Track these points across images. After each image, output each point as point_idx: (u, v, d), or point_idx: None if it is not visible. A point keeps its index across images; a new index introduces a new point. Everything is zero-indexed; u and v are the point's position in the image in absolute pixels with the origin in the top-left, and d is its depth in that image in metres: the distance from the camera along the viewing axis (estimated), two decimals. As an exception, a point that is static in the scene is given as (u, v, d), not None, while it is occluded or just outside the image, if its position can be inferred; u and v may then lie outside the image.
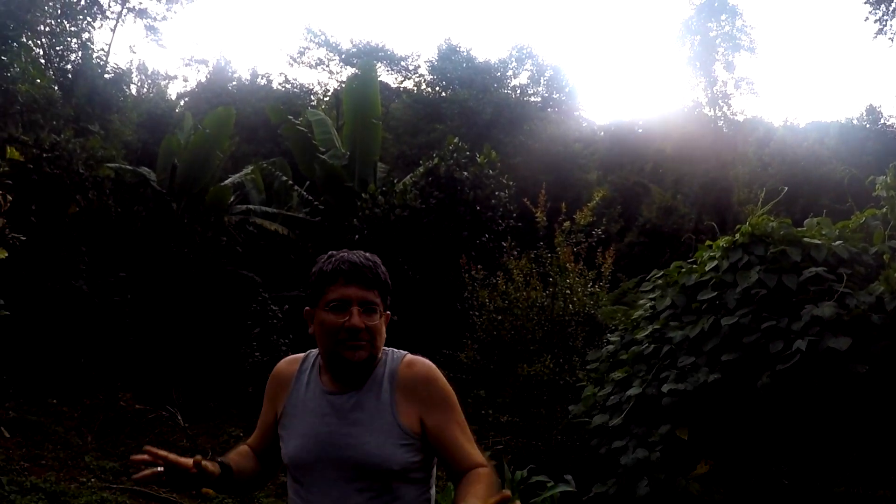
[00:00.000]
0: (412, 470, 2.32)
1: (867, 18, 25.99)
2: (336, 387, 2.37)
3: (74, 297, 11.18)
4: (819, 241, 5.42)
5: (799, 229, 5.72)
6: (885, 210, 5.66)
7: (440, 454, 2.35)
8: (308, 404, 2.40)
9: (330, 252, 2.41)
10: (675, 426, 5.31)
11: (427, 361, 2.44)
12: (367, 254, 2.40)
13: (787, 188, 6.70)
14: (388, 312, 2.40)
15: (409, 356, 2.44)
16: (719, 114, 30.58)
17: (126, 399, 10.05)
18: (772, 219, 5.81)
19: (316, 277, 2.36)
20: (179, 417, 9.58)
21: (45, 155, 10.88)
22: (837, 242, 5.48)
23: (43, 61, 14.66)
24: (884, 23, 25.90)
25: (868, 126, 34.40)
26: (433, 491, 2.45)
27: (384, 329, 2.38)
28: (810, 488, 4.81)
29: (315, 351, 2.51)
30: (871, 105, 36.32)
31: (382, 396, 2.32)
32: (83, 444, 8.49)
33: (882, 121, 35.35)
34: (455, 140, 14.66)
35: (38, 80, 12.10)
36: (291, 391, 2.46)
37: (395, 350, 2.46)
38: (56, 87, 13.59)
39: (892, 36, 26.09)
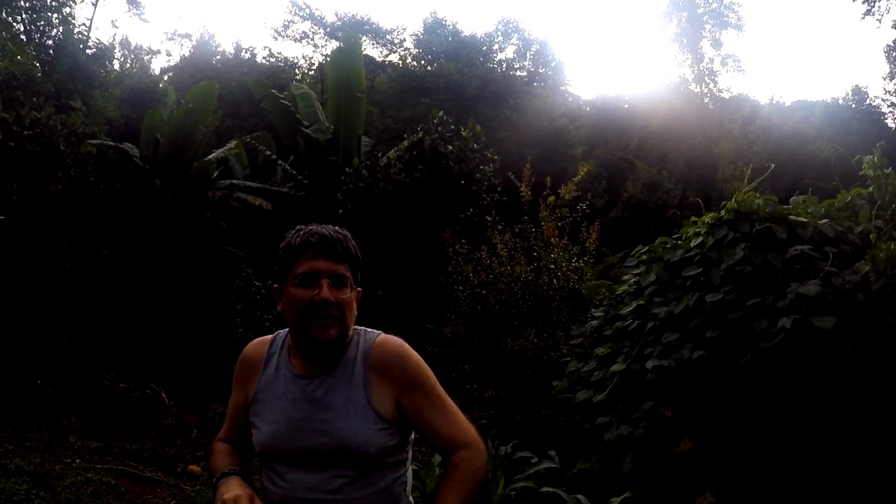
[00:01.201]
0: (388, 454, 2.28)
1: (855, -1, 25.96)
2: (307, 370, 2.31)
3: (57, 275, 11.11)
4: (805, 219, 5.42)
5: (785, 207, 5.72)
6: (871, 189, 5.66)
7: (421, 434, 2.32)
8: (279, 389, 2.33)
9: (298, 226, 2.35)
10: (658, 403, 5.32)
11: (399, 340, 2.38)
12: (337, 227, 2.34)
13: (773, 166, 6.68)
14: (359, 288, 2.34)
15: (382, 336, 2.38)
16: (705, 90, 30.61)
17: (110, 378, 10.02)
18: (758, 196, 5.81)
19: (284, 252, 2.30)
20: (164, 395, 9.56)
21: (25, 132, 10.76)
22: (823, 221, 5.48)
23: (23, 37, 14.49)
24: (872, 4, 25.89)
25: (854, 106, 34.44)
26: (409, 472, 2.43)
27: (355, 305, 2.31)
28: (793, 465, 4.83)
29: (283, 332, 2.46)
30: (857, 85, 36.48)
31: (355, 380, 2.27)
32: (68, 424, 8.45)
33: (868, 101, 35.40)
34: (440, 114, 14.58)
35: (19, 57, 11.97)
36: (261, 375, 2.39)
37: (368, 329, 2.40)
38: (37, 64, 13.46)
39: (879, 17, 26.15)
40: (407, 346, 2.37)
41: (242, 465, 2.40)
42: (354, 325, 2.37)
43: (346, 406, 2.24)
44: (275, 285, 2.36)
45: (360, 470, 2.23)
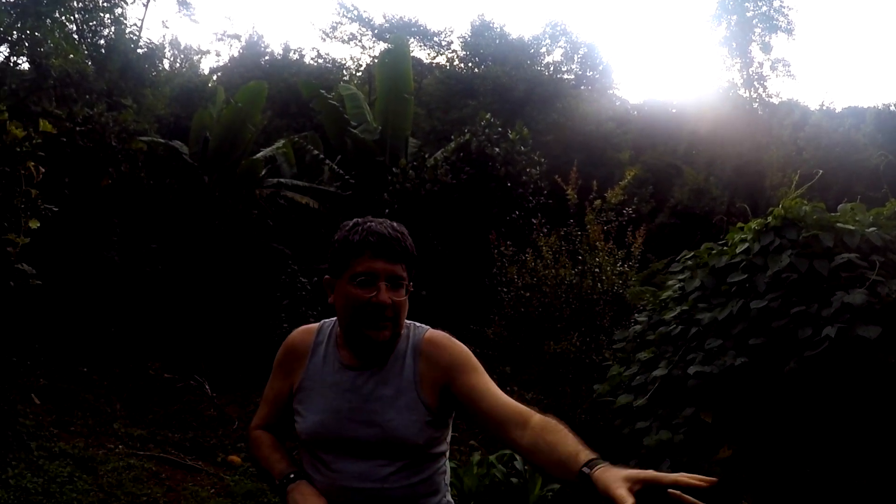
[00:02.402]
0: (434, 444, 2.31)
1: (909, 1, 25.40)
2: (356, 362, 2.32)
3: (106, 267, 11.31)
4: (852, 227, 5.33)
5: (832, 214, 5.64)
6: (921, 198, 5.57)
7: (479, 411, 2.20)
8: (327, 379, 2.33)
9: (355, 220, 2.31)
10: (699, 409, 5.28)
11: (445, 334, 2.39)
12: (395, 224, 2.32)
13: (822, 172, 6.59)
14: (412, 285, 2.33)
15: (430, 330, 2.39)
16: (754, 96, 30.08)
17: (155, 368, 10.18)
18: (805, 202, 5.74)
19: (340, 247, 2.26)
20: (207, 387, 9.69)
21: (78, 128, 10.96)
22: (871, 229, 5.38)
23: (76, 36, 14.74)
24: (926, 7, 25.29)
25: (905, 113, 33.76)
26: (448, 462, 2.45)
27: (407, 304, 2.31)
28: (834, 478, 4.77)
29: (329, 321, 2.46)
30: (908, 91, 35.65)
31: (405, 373, 2.28)
32: (112, 411, 8.61)
33: (921, 108, 34.63)
34: (487, 116, 14.61)
35: (72, 56, 12.17)
36: (308, 364, 2.39)
37: (417, 324, 2.41)
38: (89, 62, 13.67)
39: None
40: (449, 335, 2.39)
41: (292, 457, 2.42)
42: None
43: (396, 398, 2.25)
44: (326, 277, 2.34)
45: (407, 461, 2.25)
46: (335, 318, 2.42)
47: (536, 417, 2.20)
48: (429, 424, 2.27)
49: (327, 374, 2.34)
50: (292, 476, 2.30)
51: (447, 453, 2.43)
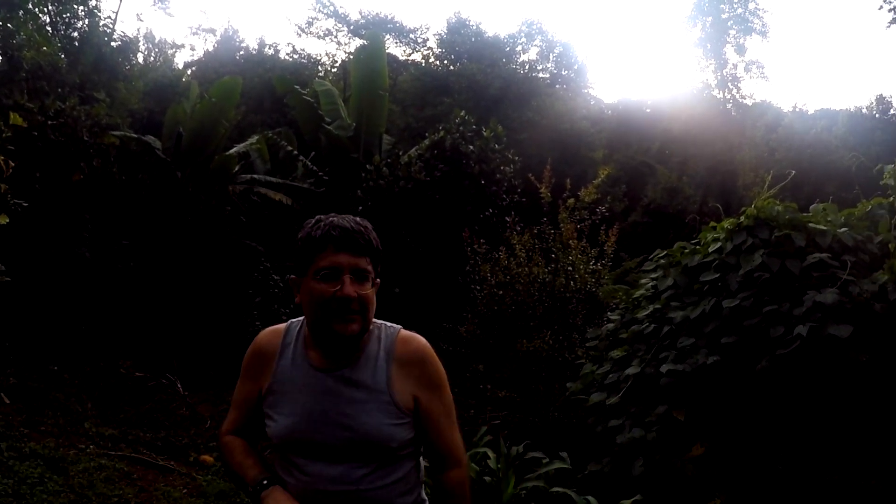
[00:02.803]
0: (407, 446, 2.31)
1: (881, 7, 25.59)
2: (326, 362, 2.29)
3: (77, 263, 11.19)
4: (824, 227, 5.39)
5: (804, 214, 5.70)
6: (892, 199, 5.64)
7: (422, 432, 2.34)
8: (297, 381, 2.30)
9: (317, 216, 2.30)
10: (672, 407, 5.32)
11: (422, 339, 2.38)
12: (357, 218, 2.30)
13: (794, 172, 6.65)
14: (378, 280, 2.31)
15: (404, 331, 2.38)
16: (728, 97, 30.29)
17: (126, 367, 10.08)
18: (778, 202, 5.79)
19: (303, 244, 2.25)
20: (179, 385, 9.61)
21: (49, 122, 10.84)
22: (843, 229, 5.45)
23: (49, 28, 14.57)
24: (898, 12, 25.53)
25: (877, 116, 34.09)
26: (421, 459, 2.45)
27: (375, 298, 2.28)
28: (805, 475, 4.81)
29: (297, 321, 2.43)
30: (881, 95, 35.88)
31: (378, 374, 2.27)
32: (83, 410, 8.52)
33: (892, 111, 34.98)
34: (462, 113, 14.59)
35: (44, 48, 12.04)
36: (276, 367, 2.36)
37: (388, 324, 2.40)
38: (62, 55, 13.53)
39: (905, 26, 25.73)
40: (429, 345, 2.38)
41: (265, 462, 2.40)
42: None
43: (368, 400, 2.25)
44: (292, 276, 2.33)
45: (380, 461, 2.26)
46: (302, 318, 2.39)
47: (448, 479, 2.38)
48: (401, 426, 2.27)
49: (297, 377, 2.31)
50: (265, 482, 2.28)
51: (420, 451, 2.43)
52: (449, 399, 2.38)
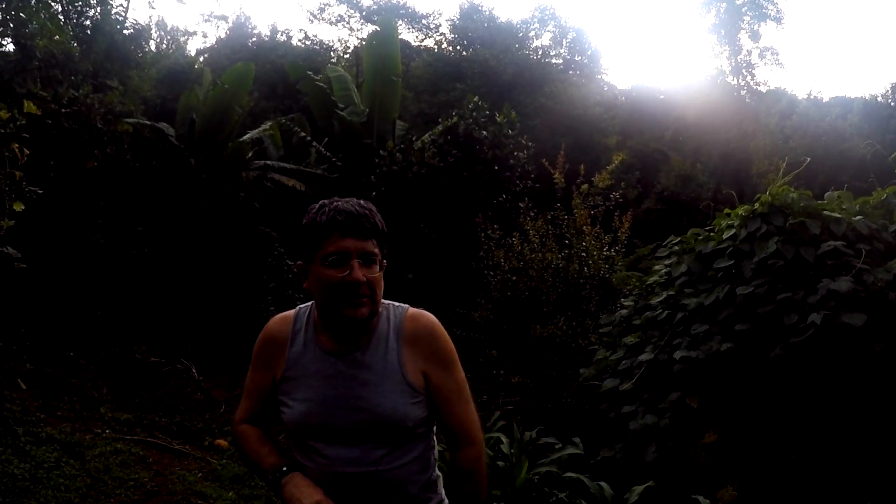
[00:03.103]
0: (422, 424, 2.34)
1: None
2: (337, 346, 2.30)
3: (92, 250, 11.26)
4: (839, 215, 5.36)
5: (819, 202, 5.67)
6: (906, 187, 5.61)
7: (435, 410, 2.37)
8: (310, 367, 2.32)
9: (321, 202, 2.30)
10: (685, 394, 5.32)
11: (430, 315, 2.40)
12: (361, 201, 2.30)
13: (809, 160, 6.61)
14: (385, 262, 2.32)
15: (412, 309, 2.40)
16: (742, 83, 30.09)
17: (141, 352, 10.14)
18: (792, 190, 5.76)
19: (309, 230, 2.25)
20: (194, 371, 9.67)
21: (63, 110, 10.89)
22: (857, 217, 5.42)
23: (61, 17, 14.60)
24: (915, -1, 25.30)
25: (893, 104, 33.86)
26: (435, 437, 2.48)
27: (382, 280, 2.30)
28: (817, 464, 4.81)
29: (305, 307, 2.44)
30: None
31: (389, 355, 2.29)
32: (98, 395, 8.58)
33: (907, 99, 34.77)
34: (475, 99, 14.54)
35: (57, 36, 12.05)
36: (289, 354, 2.36)
37: (396, 304, 2.41)
38: (75, 43, 13.55)
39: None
40: (437, 321, 2.39)
41: (281, 449, 2.42)
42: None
43: (382, 382, 2.26)
44: (299, 262, 2.33)
45: (397, 441, 2.28)
46: (311, 304, 2.41)
47: (463, 458, 2.41)
48: (415, 405, 2.29)
49: (309, 362, 2.32)
50: (285, 469, 2.31)
51: (434, 429, 2.46)
52: (460, 376, 2.39)
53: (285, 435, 2.45)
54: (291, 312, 2.46)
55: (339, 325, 2.26)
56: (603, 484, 4.95)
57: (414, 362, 2.30)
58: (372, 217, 2.25)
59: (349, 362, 2.28)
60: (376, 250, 2.25)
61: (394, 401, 2.25)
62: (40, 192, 7.23)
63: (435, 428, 2.47)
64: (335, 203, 2.26)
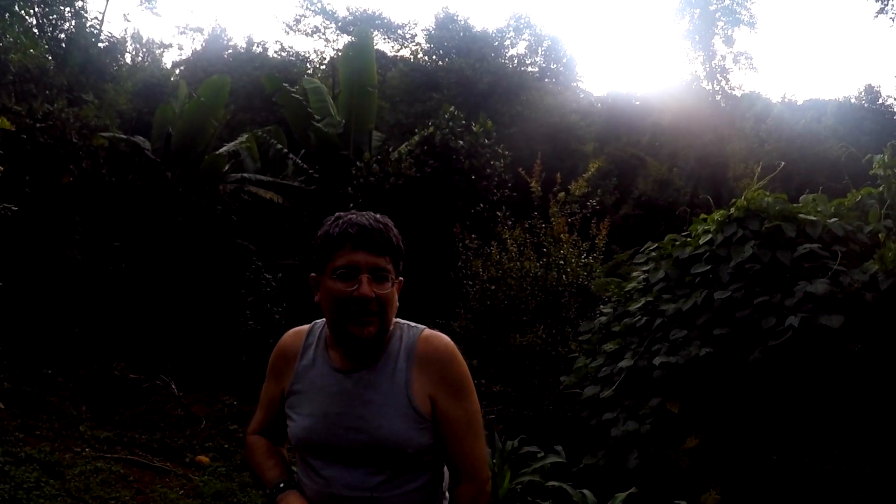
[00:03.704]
0: (425, 453, 2.22)
1: (868, -3, 25.72)
2: (346, 363, 2.24)
3: (68, 266, 11.17)
4: (814, 218, 5.41)
5: (794, 205, 5.71)
6: (881, 189, 5.65)
7: (442, 439, 2.25)
8: (316, 382, 2.27)
9: (337, 213, 2.24)
10: (665, 399, 5.33)
11: (446, 338, 2.29)
12: (378, 215, 2.23)
13: (784, 163, 6.67)
14: (401, 279, 2.25)
15: (427, 331, 2.30)
16: (717, 88, 30.36)
17: (120, 368, 10.07)
18: (767, 193, 5.80)
19: (322, 242, 2.19)
20: (174, 386, 9.60)
21: (38, 125, 10.82)
22: (833, 220, 5.47)
23: (36, 31, 14.56)
24: (885, 2, 25.66)
25: (866, 105, 34.32)
26: (445, 469, 2.35)
27: (396, 298, 2.22)
28: (799, 465, 4.84)
29: (320, 322, 2.39)
30: (869, 84, 36.22)
31: (397, 376, 2.20)
32: (78, 414, 8.51)
33: (880, 101, 35.26)
34: (451, 109, 14.57)
35: (31, 50, 12.01)
36: (298, 367, 2.32)
37: (411, 324, 2.33)
38: (49, 57, 13.51)
39: (893, 16, 25.89)
40: (453, 345, 2.29)
41: (286, 464, 2.39)
42: (396, 317, 2.28)
43: (385, 403, 2.18)
44: (312, 275, 2.26)
45: (396, 468, 2.19)
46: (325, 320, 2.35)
47: (461, 496, 2.28)
48: (419, 431, 2.19)
49: (316, 377, 2.28)
50: (282, 485, 2.27)
51: (443, 461, 2.33)
52: (472, 407, 2.27)
53: (290, 450, 2.41)
54: (306, 326, 2.42)
55: (346, 342, 2.20)
56: (586, 492, 4.95)
57: (422, 386, 2.20)
58: (386, 232, 2.19)
59: (355, 381, 2.21)
60: (389, 267, 2.18)
61: (395, 424, 2.16)
62: (15, 208, 7.19)
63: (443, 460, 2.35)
64: (350, 216, 2.20)
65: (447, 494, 2.36)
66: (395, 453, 2.16)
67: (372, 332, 2.15)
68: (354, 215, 2.20)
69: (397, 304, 2.23)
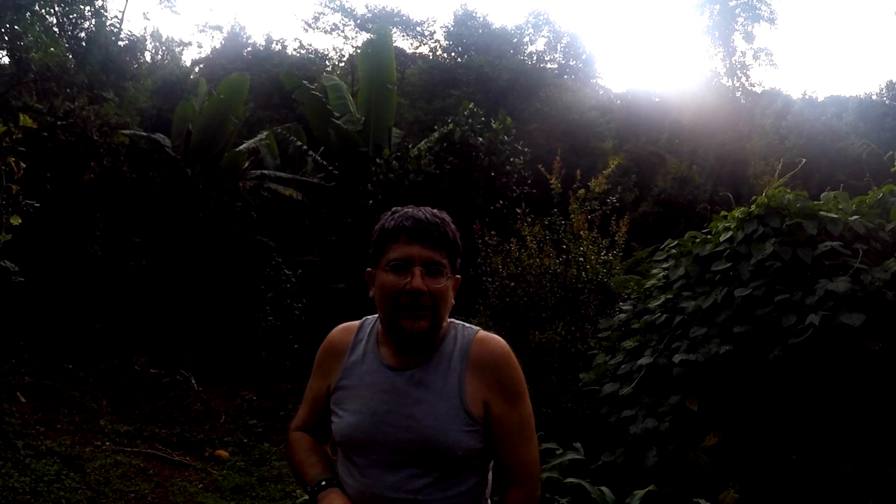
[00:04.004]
0: (474, 456, 2.16)
1: (891, -8, 25.49)
2: (398, 361, 2.19)
3: (89, 262, 11.25)
4: (835, 216, 5.36)
5: (815, 203, 5.67)
6: (903, 186, 5.61)
7: (494, 443, 2.19)
8: (365, 378, 2.21)
9: (394, 207, 2.21)
10: (685, 397, 5.31)
11: (502, 341, 2.24)
12: (436, 210, 2.19)
13: (805, 160, 6.62)
14: (458, 276, 2.20)
15: (482, 332, 2.24)
16: (737, 84, 30.10)
17: (140, 363, 10.14)
18: (788, 191, 5.76)
19: (377, 235, 2.17)
20: (193, 381, 9.67)
21: (59, 122, 10.90)
22: (854, 217, 5.41)
23: (56, 30, 14.67)
24: (907, -2, 25.40)
25: (887, 102, 33.92)
26: (490, 474, 2.31)
27: (452, 295, 2.18)
28: (818, 464, 4.81)
29: (371, 318, 2.34)
30: (890, 81, 35.64)
31: (451, 377, 2.14)
32: (98, 408, 8.58)
33: (901, 97, 34.86)
34: (470, 105, 14.55)
35: (52, 49, 12.10)
36: (346, 363, 2.27)
37: (466, 324, 2.28)
38: (70, 55, 13.60)
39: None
40: (509, 350, 2.24)
41: (329, 462, 2.33)
42: (451, 316, 2.25)
43: (437, 403, 2.12)
44: (367, 269, 2.23)
45: (443, 471, 2.13)
46: (377, 315, 2.30)
47: (510, 496, 2.23)
48: (470, 434, 2.12)
49: (366, 374, 2.22)
50: (324, 483, 2.21)
51: (490, 465, 2.29)
52: (525, 411, 2.23)
53: (332, 447, 2.37)
54: (357, 322, 2.37)
55: (398, 337, 2.15)
56: (604, 489, 4.94)
57: (476, 389, 2.14)
58: (443, 227, 2.15)
59: (406, 378, 2.16)
60: (444, 261, 2.13)
61: (446, 425, 2.10)
62: (37, 205, 7.24)
63: (490, 465, 2.29)
64: (407, 209, 2.18)
65: (489, 501, 2.31)
66: (444, 455, 2.11)
67: (424, 327, 2.10)
68: (411, 209, 2.17)
69: (453, 301, 2.19)
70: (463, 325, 2.27)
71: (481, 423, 2.15)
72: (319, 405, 2.35)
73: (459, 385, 2.14)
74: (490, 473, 2.29)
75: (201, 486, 6.87)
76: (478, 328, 2.26)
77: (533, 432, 2.26)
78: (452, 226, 2.19)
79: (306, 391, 2.42)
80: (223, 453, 7.76)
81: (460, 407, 2.12)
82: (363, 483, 2.15)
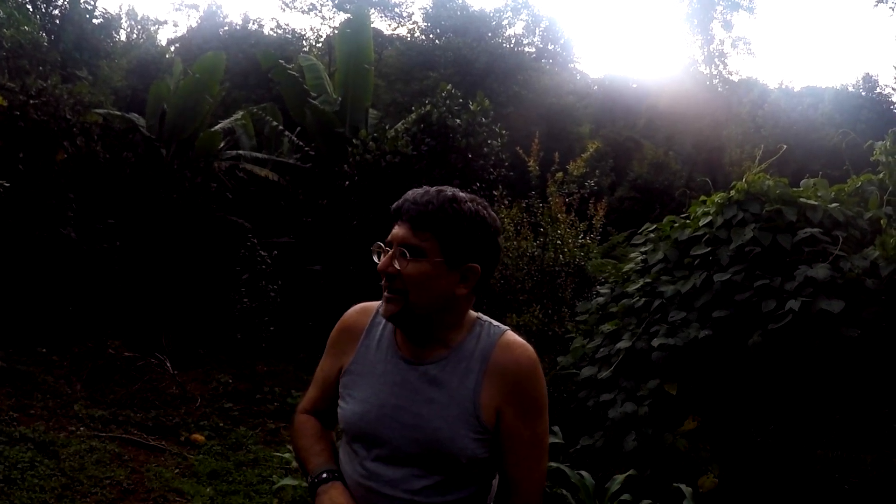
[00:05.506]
0: (478, 465, 2.05)
1: (869, -14, 25.67)
2: (413, 352, 2.09)
3: (62, 244, 11.10)
4: (815, 203, 5.39)
5: (795, 189, 5.69)
6: (882, 175, 5.64)
7: (500, 452, 2.07)
8: (377, 367, 2.12)
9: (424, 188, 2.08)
10: (663, 381, 5.32)
11: (528, 349, 2.08)
12: (441, 189, 2.03)
13: (785, 147, 6.64)
14: (476, 265, 2.01)
15: (510, 335, 2.10)
16: (714, 72, 30.34)
17: (115, 346, 10.02)
18: (768, 177, 5.78)
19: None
20: (168, 364, 9.57)
21: (31, 101, 10.72)
22: (833, 205, 5.45)
23: (29, 6, 14.44)
24: (885, -9, 25.62)
25: (863, 94, 34.32)
26: (495, 481, 2.19)
27: (442, 283, 1.98)
28: (796, 448, 4.84)
29: None
30: (867, 73, 36.23)
31: (467, 379, 2.02)
32: (72, 392, 8.48)
33: (878, 90, 35.24)
34: (448, 87, 14.47)
35: (25, 27, 11.91)
36: (360, 346, 2.17)
37: (494, 323, 2.14)
38: (43, 33, 13.41)
39: (892, 5, 25.86)
40: (536, 359, 2.08)
41: (333, 451, 2.23)
42: (479, 314, 2.14)
43: (449, 405, 2.02)
44: None
45: (445, 476, 2.03)
46: None
47: None
48: (478, 442, 2.01)
49: (378, 361, 2.13)
50: (325, 475, 2.11)
51: (493, 476, 2.18)
52: (540, 429, 2.08)
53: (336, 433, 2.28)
54: (375, 303, 2.23)
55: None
56: (584, 473, 4.93)
57: (492, 396, 2.01)
58: (431, 207, 1.97)
59: (420, 373, 2.06)
60: (425, 244, 1.96)
61: (455, 429, 1.99)
62: (8, 185, 7.13)
63: (495, 472, 2.18)
64: (421, 189, 2.04)
65: None
66: (448, 459, 2.01)
67: (392, 311, 2.00)
68: (425, 188, 2.04)
69: (444, 289, 2.00)
70: (491, 323, 2.14)
71: (491, 431, 2.03)
72: (329, 387, 2.26)
73: (475, 389, 2.02)
74: (495, 480, 2.20)
75: (177, 471, 6.81)
76: (506, 328, 2.13)
77: (544, 451, 2.14)
78: (456, 207, 1.98)
79: (317, 371, 2.33)
80: (199, 437, 7.69)
81: (472, 413, 2.01)
82: (362, 475, 2.08)
